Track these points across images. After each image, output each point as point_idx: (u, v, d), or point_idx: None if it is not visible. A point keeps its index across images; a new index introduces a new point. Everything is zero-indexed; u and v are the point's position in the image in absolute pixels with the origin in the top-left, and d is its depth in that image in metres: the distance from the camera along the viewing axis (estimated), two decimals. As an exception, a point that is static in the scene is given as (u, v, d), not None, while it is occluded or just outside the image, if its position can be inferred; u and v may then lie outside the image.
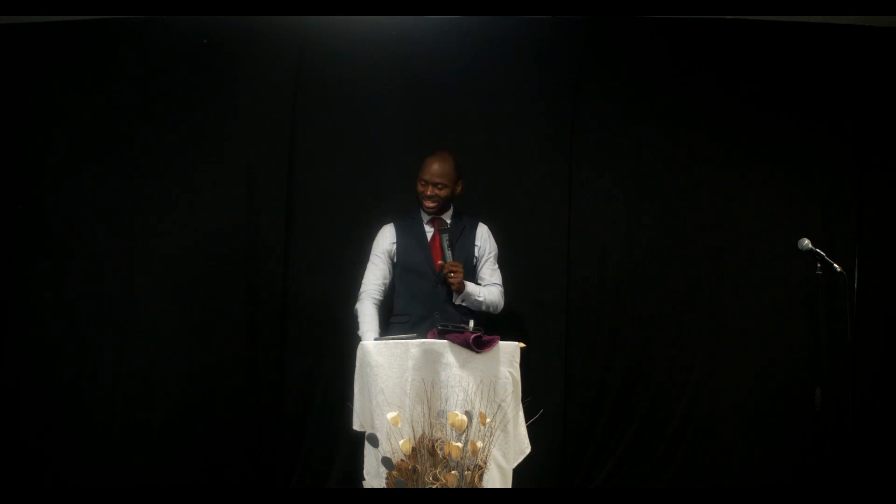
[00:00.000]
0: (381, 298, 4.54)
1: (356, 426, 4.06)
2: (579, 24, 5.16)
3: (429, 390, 3.86)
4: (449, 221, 4.57)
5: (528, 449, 4.09)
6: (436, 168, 4.51)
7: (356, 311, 4.51)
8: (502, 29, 5.14)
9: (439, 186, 4.51)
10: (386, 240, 4.57)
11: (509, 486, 3.98)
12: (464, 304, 4.46)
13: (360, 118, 5.17)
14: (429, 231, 4.57)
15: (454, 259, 4.41)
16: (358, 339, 4.27)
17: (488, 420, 3.81)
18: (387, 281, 4.56)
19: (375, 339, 4.21)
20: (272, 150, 5.16)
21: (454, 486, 3.68)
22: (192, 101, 5.12)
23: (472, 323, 4.17)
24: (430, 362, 3.94)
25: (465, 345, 3.94)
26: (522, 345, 4.11)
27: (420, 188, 4.53)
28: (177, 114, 5.12)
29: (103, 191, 5.09)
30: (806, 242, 4.47)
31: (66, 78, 5.10)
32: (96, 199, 5.09)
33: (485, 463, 3.80)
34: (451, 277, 4.38)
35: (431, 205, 4.53)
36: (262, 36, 5.10)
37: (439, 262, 4.44)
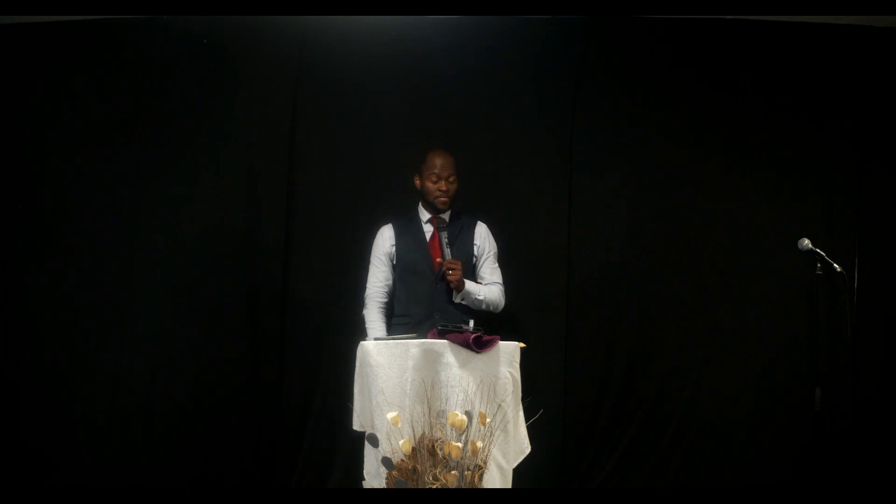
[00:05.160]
0: (385, 300, 4.54)
1: (356, 426, 4.05)
2: (579, 24, 5.16)
3: (429, 390, 3.86)
4: (448, 221, 4.54)
5: (528, 449, 4.08)
6: (444, 161, 4.49)
7: (363, 317, 4.53)
8: (502, 29, 5.14)
9: (451, 180, 4.49)
10: (385, 242, 4.55)
11: (509, 486, 3.97)
12: (463, 302, 4.43)
13: (360, 118, 5.17)
14: (427, 230, 4.56)
15: (453, 257, 4.39)
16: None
17: (488, 420, 3.80)
18: (389, 282, 4.54)
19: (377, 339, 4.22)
20: (272, 150, 5.16)
21: (454, 486, 3.68)
22: (192, 101, 5.12)
23: (471, 323, 4.16)
24: (430, 362, 3.93)
25: (465, 345, 3.93)
26: (522, 345, 4.10)
27: (430, 184, 4.49)
28: (177, 113, 5.12)
29: (103, 191, 5.09)
30: (806, 242, 4.47)
31: (67, 78, 5.10)
32: (96, 198, 5.09)
33: (485, 463, 3.80)
34: (450, 275, 4.34)
35: (445, 199, 4.49)
36: (262, 36, 5.10)
37: (438, 259, 4.43)
